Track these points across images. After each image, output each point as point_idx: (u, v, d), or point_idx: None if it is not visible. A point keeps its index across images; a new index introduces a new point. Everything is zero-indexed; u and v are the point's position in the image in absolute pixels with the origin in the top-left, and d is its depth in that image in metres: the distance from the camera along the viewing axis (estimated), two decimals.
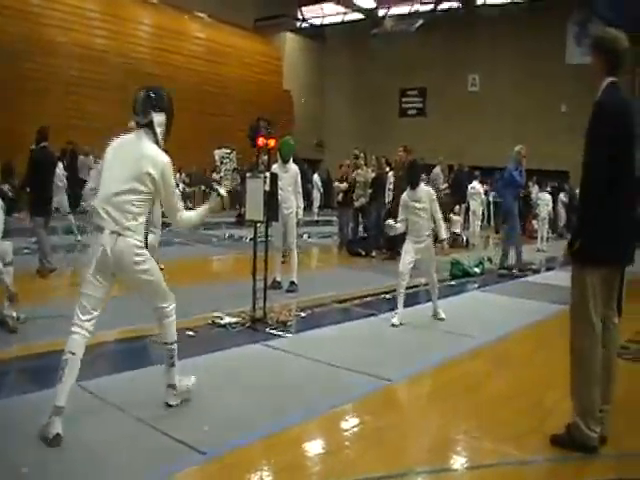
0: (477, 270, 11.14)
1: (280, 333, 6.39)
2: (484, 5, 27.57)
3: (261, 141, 6.77)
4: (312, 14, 32.98)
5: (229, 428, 3.99)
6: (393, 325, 6.90)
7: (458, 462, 3.84)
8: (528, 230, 18.33)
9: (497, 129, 26.18)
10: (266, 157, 7.12)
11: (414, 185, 7.19)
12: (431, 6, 28.12)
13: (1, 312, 6.04)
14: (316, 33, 33.25)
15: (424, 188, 7.29)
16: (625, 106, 3.86)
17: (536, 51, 25.25)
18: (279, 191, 7.55)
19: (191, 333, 6.16)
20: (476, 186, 16.95)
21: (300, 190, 8.86)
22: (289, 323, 6.81)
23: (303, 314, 7.34)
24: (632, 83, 18.90)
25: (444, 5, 28.06)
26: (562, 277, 11.16)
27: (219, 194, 4.40)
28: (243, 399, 4.54)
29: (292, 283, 8.68)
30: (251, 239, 7.38)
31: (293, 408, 4.40)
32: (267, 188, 6.63)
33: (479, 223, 17.12)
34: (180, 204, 4.21)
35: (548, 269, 12.84)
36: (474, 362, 5.93)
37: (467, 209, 17.26)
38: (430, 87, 29.63)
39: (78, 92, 20.92)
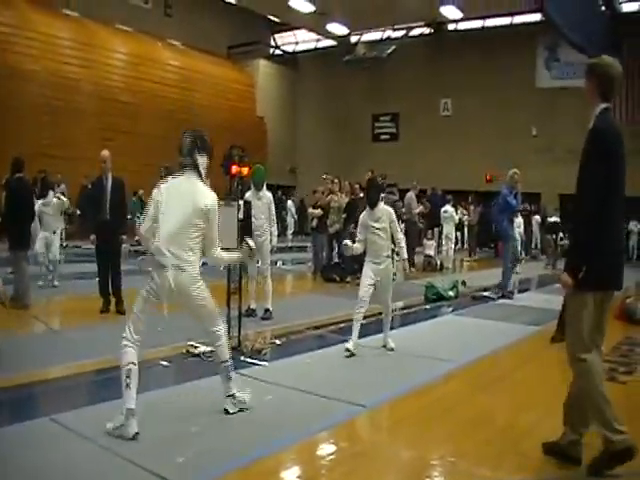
0: (451, 293, 11.20)
1: (255, 361, 6.35)
2: (455, 30, 28.07)
3: (234, 169, 6.79)
4: (285, 41, 33.36)
5: (204, 459, 3.93)
6: (347, 350, 6.66)
7: None
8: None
9: (470, 152, 26.56)
10: (239, 185, 7.12)
11: (373, 205, 6.95)
12: (403, 32, 28.55)
13: None
14: (289, 60, 33.57)
15: (383, 208, 7.01)
16: (617, 132, 3.95)
17: (507, 75, 25.78)
18: (252, 219, 7.54)
19: (165, 363, 6.11)
20: (449, 209, 17.11)
21: (274, 217, 8.83)
22: (264, 351, 6.77)
23: (278, 342, 7.30)
24: None
25: (416, 31, 28.52)
26: (536, 299, 11.35)
27: (249, 246, 4.91)
28: (218, 429, 4.49)
29: (267, 310, 8.65)
30: (225, 267, 7.34)
31: (268, 437, 4.35)
32: (240, 216, 6.61)
33: (452, 246, 17.25)
34: (217, 240, 4.65)
35: (521, 291, 12.95)
36: (450, 385, 5.95)
37: (440, 233, 17.39)
38: (403, 112, 30.00)
39: (51, 120, 20.79)
